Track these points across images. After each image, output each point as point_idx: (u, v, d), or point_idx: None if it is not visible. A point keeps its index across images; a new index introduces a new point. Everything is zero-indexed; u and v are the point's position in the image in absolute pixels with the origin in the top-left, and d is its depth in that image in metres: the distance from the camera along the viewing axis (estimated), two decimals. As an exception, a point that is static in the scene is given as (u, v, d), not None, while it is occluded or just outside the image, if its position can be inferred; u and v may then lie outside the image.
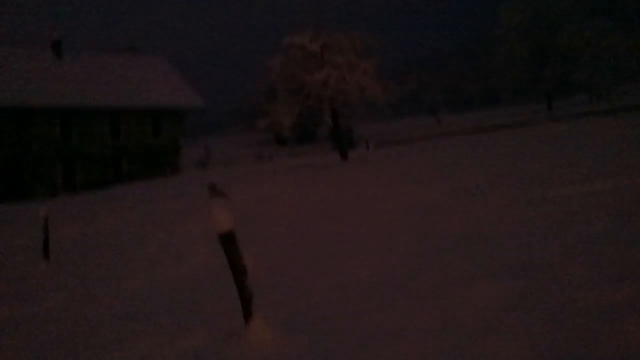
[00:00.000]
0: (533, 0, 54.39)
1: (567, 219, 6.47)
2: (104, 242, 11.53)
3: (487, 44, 68.20)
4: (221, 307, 5.12)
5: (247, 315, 4.08)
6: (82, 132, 36.97)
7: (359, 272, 5.68)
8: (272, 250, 7.70)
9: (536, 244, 5.53)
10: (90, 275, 8.29)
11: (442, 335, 3.60)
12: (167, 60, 44.87)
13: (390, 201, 10.54)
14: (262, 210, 12.20)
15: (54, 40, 38.99)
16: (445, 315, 3.97)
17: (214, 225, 3.99)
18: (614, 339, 3.13)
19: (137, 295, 6.52)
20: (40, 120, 35.40)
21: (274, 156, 49.55)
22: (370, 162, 22.81)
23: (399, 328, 3.87)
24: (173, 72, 43.85)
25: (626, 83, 50.87)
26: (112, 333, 5.05)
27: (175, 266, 7.92)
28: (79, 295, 6.98)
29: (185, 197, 18.29)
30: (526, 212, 7.33)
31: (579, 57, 50.02)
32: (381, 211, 9.63)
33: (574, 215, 6.60)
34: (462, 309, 4.04)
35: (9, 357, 4.91)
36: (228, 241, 4.02)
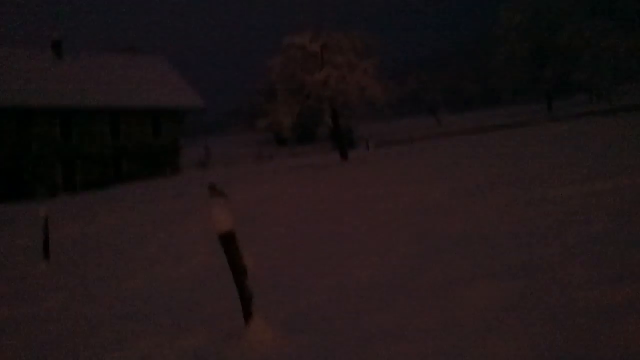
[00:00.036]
0: (533, 0, 54.40)
1: (567, 219, 6.47)
2: (104, 242, 11.53)
3: (487, 44, 68.22)
4: (221, 307, 5.12)
5: (247, 315, 4.09)
6: (82, 132, 36.97)
7: (359, 272, 5.69)
8: (272, 250, 7.70)
9: (536, 244, 5.53)
10: (90, 275, 8.29)
11: (443, 335, 3.60)
12: (167, 60, 44.86)
13: (390, 201, 10.54)
14: (262, 210, 12.20)
15: (53, 40, 39.00)
16: (446, 315, 3.97)
17: (214, 225, 3.99)
18: (614, 339, 3.13)
19: (137, 295, 6.53)
20: (40, 120, 35.39)
21: (274, 156, 49.56)
22: (370, 162, 22.81)
23: (399, 328, 3.87)
24: (173, 72, 43.85)
25: (626, 83, 50.88)
26: (112, 333, 5.05)
27: (175, 266, 7.92)
28: (79, 295, 6.98)
29: (185, 197, 18.29)
30: (526, 212, 7.33)
31: (579, 57, 50.02)
32: (381, 211, 9.63)
33: (574, 215, 6.60)
34: (462, 309, 4.04)
35: (9, 357, 4.91)
36: (228, 241, 4.03)
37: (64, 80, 37.09)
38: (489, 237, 6.20)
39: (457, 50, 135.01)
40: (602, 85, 49.39)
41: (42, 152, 35.26)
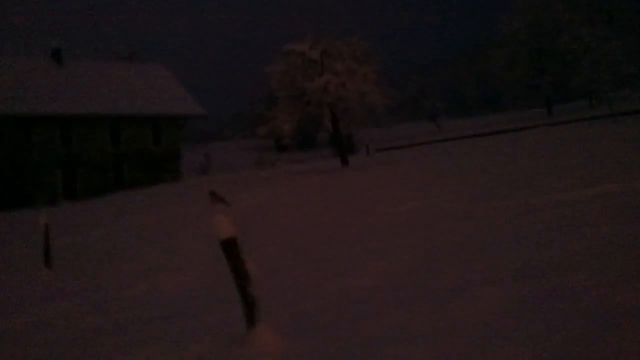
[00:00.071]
0: (532, 6, 54.54)
1: (569, 223, 6.46)
2: (106, 249, 11.51)
3: (487, 49, 68.34)
4: (224, 313, 5.10)
5: (251, 320, 4.07)
6: (82, 139, 37.03)
7: (362, 276, 5.67)
8: (274, 255, 7.69)
9: (538, 248, 5.52)
10: (91, 282, 8.27)
11: (446, 340, 3.59)
12: (166, 68, 45.02)
13: (392, 206, 10.54)
14: (264, 216, 12.20)
15: (54, 49, 39.17)
16: (449, 319, 3.96)
17: (216, 232, 3.99)
18: (617, 343, 3.11)
19: (139, 303, 6.51)
20: (41, 128, 35.47)
21: (274, 162, 49.58)
22: (371, 167, 22.82)
23: (403, 332, 3.86)
24: (172, 79, 43.99)
25: (626, 88, 50.93)
26: (114, 341, 5.03)
27: (177, 273, 7.90)
28: (80, 303, 6.96)
29: (186, 204, 18.28)
30: (528, 216, 7.32)
31: (578, 62, 50.10)
32: (383, 216, 9.62)
33: (576, 220, 6.59)
34: (466, 314, 4.03)
35: (11, 365, 4.90)
36: (230, 247, 4.02)
37: (64, 87, 37.22)
38: (492, 241, 6.19)
39: (457, 56, 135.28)
40: (601, 90, 49.45)
41: (43, 160, 35.30)
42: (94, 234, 14.37)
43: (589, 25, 50.77)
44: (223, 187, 20.26)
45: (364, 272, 5.88)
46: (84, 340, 5.27)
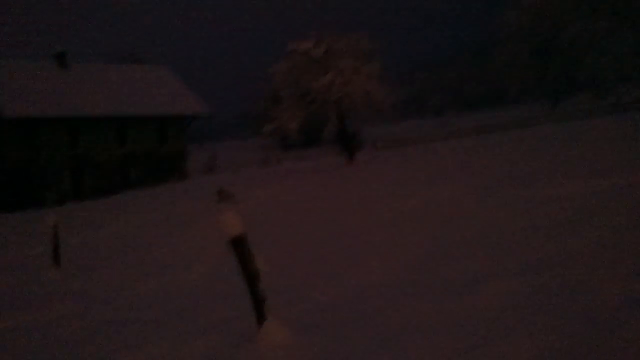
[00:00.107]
0: (536, 1, 54.30)
1: (575, 217, 6.45)
2: (114, 248, 11.58)
3: (491, 44, 68.06)
4: (233, 310, 5.13)
5: (260, 317, 4.10)
6: (89, 141, 37.26)
7: (370, 273, 5.69)
8: (283, 252, 7.71)
9: (545, 243, 5.52)
10: (100, 281, 8.33)
11: (454, 334, 3.61)
12: (170, 69, 45.22)
13: (399, 202, 10.53)
14: (271, 213, 12.23)
15: (58, 52, 39.42)
16: (456, 314, 3.98)
17: (224, 230, 4.01)
18: (622, 337, 3.12)
19: (148, 300, 6.55)
20: (48, 130, 35.72)
21: (281, 160, 49.61)
22: (378, 163, 22.80)
23: (411, 328, 3.88)
24: (176, 80, 44.21)
25: (631, 82, 50.64)
26: (123, 337, 5.07)
27: (186, 270, 7.94)
28: (89, 301, 7.02)
29: (193, 202, 18.33)
30: (535, 211, 7.30)
31: (583, 56, 49.88)
32: (390, 212, 9.63)
33: (582, 214, 6.57)
34: (473, 309, 4.04)
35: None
36: (239, 245, 4.05)
37: (70, 90, 37.45)
38: (498, 237, 6.19)
39: (461, 51, 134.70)
40: (607, 84, 49.20)
41: (50, 161, 35.54)
42: (102, 234, 14.45)
43: (593, 18, 50.47)
44: (229, 185, 20.29)
45: (371, 268, 5.90)
46: (92, 336, 5.31)
